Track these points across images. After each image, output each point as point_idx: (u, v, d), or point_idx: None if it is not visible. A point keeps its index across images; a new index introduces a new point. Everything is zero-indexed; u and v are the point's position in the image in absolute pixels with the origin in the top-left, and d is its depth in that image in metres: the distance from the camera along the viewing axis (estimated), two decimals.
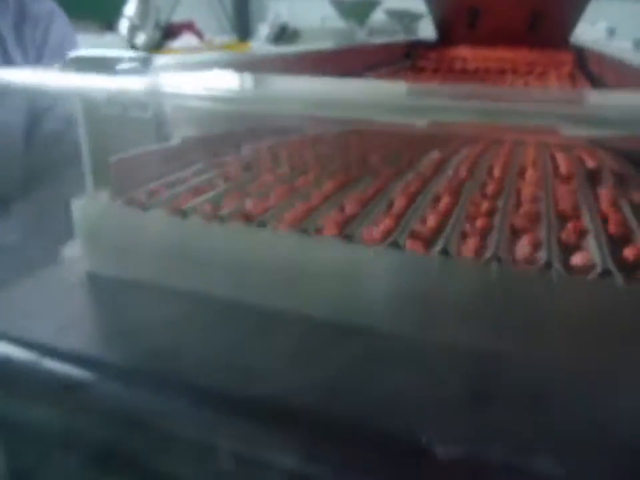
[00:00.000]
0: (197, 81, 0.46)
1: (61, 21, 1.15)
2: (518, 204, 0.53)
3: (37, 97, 1.02)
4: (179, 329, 0.41)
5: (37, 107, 1.06)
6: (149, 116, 0.51)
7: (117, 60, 0.50)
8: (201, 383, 0.35)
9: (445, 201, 0.53)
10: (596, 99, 0.44)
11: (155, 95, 0.46)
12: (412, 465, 0.30)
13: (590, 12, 1.58)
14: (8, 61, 1.08)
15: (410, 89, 0.46)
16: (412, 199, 0.54)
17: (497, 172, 0.63)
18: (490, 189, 0.57)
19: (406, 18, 4.34)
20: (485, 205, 0.52)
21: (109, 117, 0.51)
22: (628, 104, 0.36)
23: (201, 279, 0.44)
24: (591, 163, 0.66)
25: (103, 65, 0.48)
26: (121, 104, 0.51)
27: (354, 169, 0.61)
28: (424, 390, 0.35)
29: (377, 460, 0.30)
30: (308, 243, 0.42)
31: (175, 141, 0.56)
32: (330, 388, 0.35)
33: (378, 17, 4.75)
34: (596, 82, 1.21)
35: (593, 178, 0.61)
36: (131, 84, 0.46)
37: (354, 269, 0.41)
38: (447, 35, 1.83)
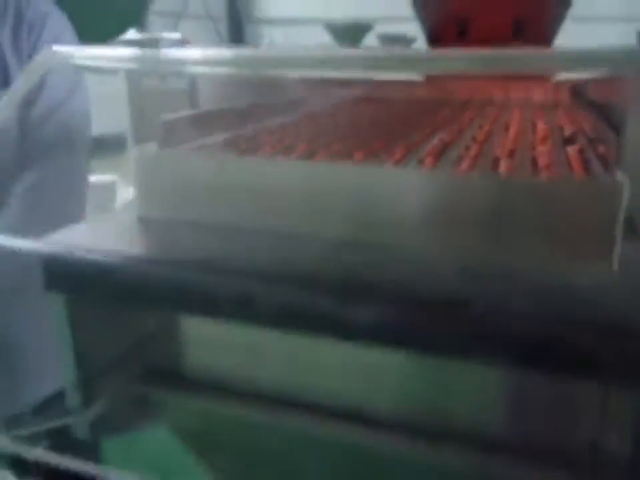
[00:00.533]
0: (220, 51, 0.56)
1: (53, 23, 1.18)
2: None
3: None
4: (223, 246, 0.49)
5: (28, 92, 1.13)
6: (184, 86, 0.61)
7: (159, 40, 0.60)
8: (247, 268, 0.43)
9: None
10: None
11: (189, 61, 0.56)
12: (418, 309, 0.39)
13: (575, 34, 1.69)
14: (5, 70, 1.14)
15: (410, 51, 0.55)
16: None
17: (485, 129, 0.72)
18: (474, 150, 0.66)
19: (398, 42, 4.48)
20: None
21: (149, 88, 0.61)
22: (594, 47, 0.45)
23: (241, 213, 0.53)
24: (568, 126, 0.75)
25: (148, 44, 0.58)
26: (160, 76, 0.60)
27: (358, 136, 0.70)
28: (427, 277, 0.44)
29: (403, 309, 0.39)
30: (332, 170, 0.50)
31: (211, 107, 0.65)
32: (349, 274, 0.43)
33: (371, 41, 4.90)
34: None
35: (568, 139, 0.70)
36: (172, 55, 0.55)
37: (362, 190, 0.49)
38: (437, 45, 1.94)
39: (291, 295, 0.41)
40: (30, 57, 1.13)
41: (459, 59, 0.46)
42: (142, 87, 0.61)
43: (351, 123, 0.75)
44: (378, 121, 0.77)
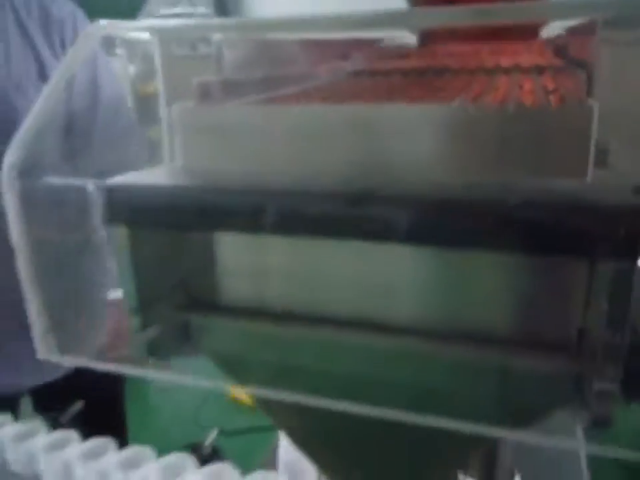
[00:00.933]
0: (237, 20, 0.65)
1: (82, 20, 1.28)
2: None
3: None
4: (265, 180, 0.57)
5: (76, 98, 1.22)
6: (212, 52, 0.70)
7: (190, 14, 0.69)
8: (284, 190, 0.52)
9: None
10: None
11: (215, 28, 0.64)
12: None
13: None
14: (38, 59, 1.22)
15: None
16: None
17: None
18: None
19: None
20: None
21: (179, 55, 0.69)
22: None
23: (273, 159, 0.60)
24: (551, 85, 0.84)
25: (183, 17, 0.67)
26: (190, 44, 0.69)
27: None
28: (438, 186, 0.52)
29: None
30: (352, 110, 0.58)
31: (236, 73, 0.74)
32: (358, 190, 0.51)
33: None
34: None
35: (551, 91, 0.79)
36: (203, 24, 0.64)
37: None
38: (428, 30, 2.02)
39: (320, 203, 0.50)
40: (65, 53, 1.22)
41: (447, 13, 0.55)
42: (172, 55, 0.70)
43: (360, 88, 0.83)
44: (379, 87, 0.86)
